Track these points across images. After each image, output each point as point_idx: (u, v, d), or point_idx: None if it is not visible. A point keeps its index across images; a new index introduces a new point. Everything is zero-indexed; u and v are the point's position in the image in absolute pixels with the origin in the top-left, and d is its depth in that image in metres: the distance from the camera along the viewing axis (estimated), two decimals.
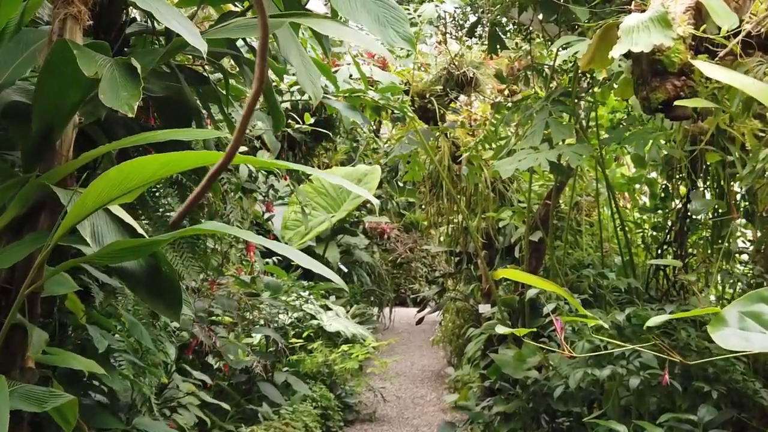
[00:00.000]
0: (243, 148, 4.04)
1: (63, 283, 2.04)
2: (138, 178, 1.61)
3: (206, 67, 3.14)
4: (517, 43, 6.47)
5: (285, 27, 2.27)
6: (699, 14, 3.32)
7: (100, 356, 2.55)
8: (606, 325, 1.90)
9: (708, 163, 5.00)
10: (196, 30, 1.87)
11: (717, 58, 3.16)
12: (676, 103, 3.09)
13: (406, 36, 2.15)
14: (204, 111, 2.70)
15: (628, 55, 4.04)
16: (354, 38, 2.46)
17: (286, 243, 8.18)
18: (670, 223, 5.62)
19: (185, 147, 2.12)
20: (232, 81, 3.87)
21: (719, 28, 3.21)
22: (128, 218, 1.79)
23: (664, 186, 5.78)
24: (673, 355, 1.86)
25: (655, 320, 1.83)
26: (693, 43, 3.28)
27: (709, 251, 5.09)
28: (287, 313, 6.36)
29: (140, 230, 1.80)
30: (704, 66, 2.63)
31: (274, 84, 4.28)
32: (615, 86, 4.75)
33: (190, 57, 2.75)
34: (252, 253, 4.34)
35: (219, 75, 3.77)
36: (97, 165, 2.63)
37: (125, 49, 2.41)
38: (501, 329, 1.78)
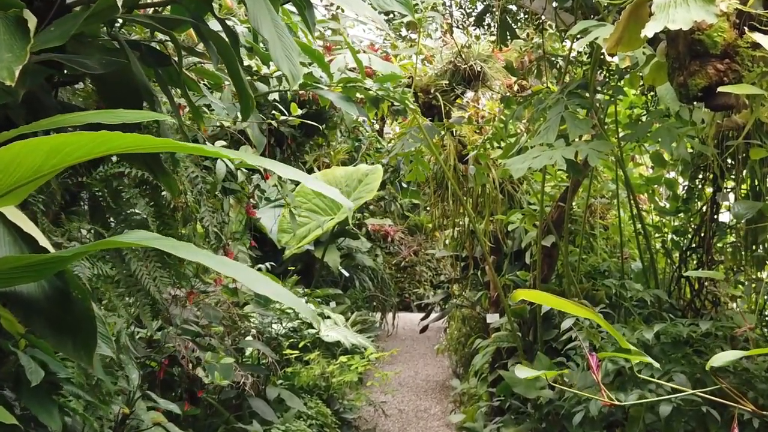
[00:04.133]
0: (221, 143, 3.64)
1: None
2: (21, 171, 1.18)
3: (165, 44, 2.71)
4: (528, 34, 6.05)
5: None
6: None
7: (38, 389, 2.13)
8: (656, 364, 1.48)
9: (734, 162, 4.59)
10: None
11: None
12: (720, 89, 2.67)
13: None
14: (164, 95, 2.28)
15: (652, 41, 3.62)
16: None
17: (283, 247, 7.77)
18: (694, 226, 5.19)
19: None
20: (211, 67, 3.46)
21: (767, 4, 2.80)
22: (29, 226, 1.36)
23: (686, 187, 5.36)
24: (744, 403, 1.43)
25: (721, 359, 1.40)
26: (737, 20, 2.85)
27: (740, 258, 4.66)
28: (281, 323, 5.93)
29: (44, 242, 1.37)
30: None
31: (254, 70, 3.87)
32: (640, 74, 4.31)
33: (148, 32, 2.34)
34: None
35: (194, 59, 3.36)
36: None
37: None
38: (521, 372, 1.36)
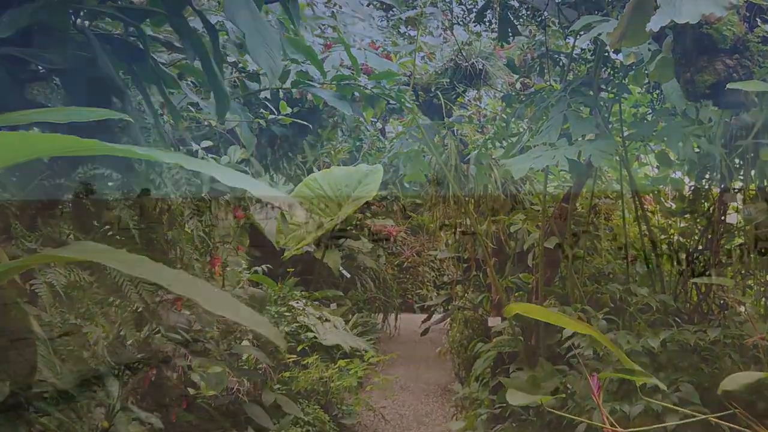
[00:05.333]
0: (207, 143, 3.51)
1: None
2: None
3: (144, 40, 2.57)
4: (530, 31, 5.92)
5: None
6: None
7: (3, 405, 2.00)
8: (662, 386, 1.35)
9: (742, 162, 4.44)
10: None
11: None
12: (729, 86, 2.53)
13: None
14: (139, 93, 2.15)
15: (658, 36, 3.48)
16: None
17: (281, 248, 7.65)
18: (700, 228, 5.04)
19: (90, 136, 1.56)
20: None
21: None
22: None
23: (693, 187, 5.21)
24: (760, 429, 1.29)
25: (735, 382, 1.27)
26: (747, 13, 2.72)
27: (749, 261, 4.51)
28: (278, 327, 5.81)
29: None
30: None
31: (241, 66, 3.74)
32: (646, 70, 4.17)
33: (122, 26, 2.21)
34: (217, 267, 3.78)
35: (177, 55, 3.23)
36: None
37: None
38: (514, 398, 1.22)
